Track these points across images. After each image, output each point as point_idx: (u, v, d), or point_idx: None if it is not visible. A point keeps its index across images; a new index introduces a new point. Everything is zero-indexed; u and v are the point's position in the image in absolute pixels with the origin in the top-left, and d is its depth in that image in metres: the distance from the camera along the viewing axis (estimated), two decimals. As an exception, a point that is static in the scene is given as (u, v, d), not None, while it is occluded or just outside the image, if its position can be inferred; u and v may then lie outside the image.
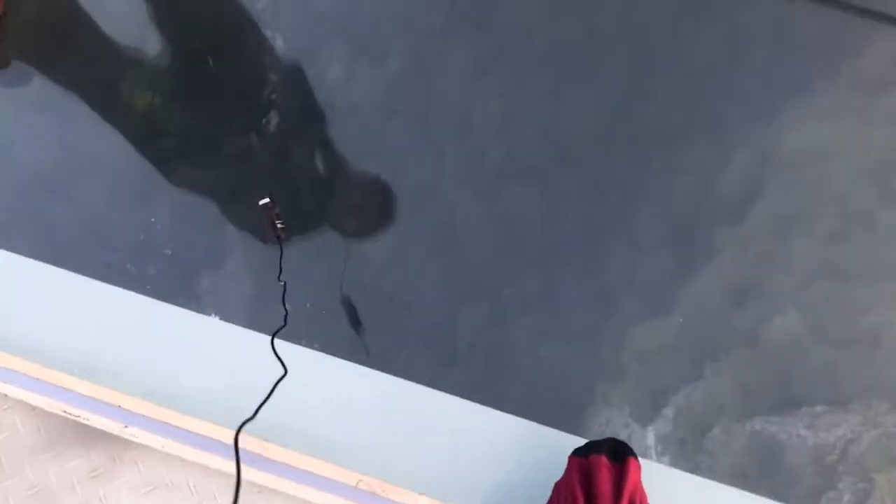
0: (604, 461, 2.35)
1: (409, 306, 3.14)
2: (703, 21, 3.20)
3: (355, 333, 3.06)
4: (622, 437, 3.02)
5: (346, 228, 3.14)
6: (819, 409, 2.90)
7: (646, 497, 2.36)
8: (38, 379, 2.66)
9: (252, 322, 3.09)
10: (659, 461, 2.97)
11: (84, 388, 2.69)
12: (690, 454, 2.95)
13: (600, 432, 3.04)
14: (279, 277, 2.98)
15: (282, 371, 2.72)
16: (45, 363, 2.73)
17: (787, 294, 3.07)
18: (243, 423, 2.48)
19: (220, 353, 3.04)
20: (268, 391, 2.61)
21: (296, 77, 3.31)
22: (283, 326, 2.94)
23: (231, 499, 2.24)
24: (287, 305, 3.01)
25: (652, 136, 3.20)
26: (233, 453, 2.38)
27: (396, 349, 3.08)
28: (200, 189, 3.17)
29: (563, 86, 3.23)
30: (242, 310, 3.12)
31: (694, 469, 2.93)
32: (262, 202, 2.90)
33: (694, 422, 2.96)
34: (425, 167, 3.26)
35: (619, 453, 2.43)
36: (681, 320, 3.07)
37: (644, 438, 3.01)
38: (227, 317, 3.11)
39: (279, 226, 2.94)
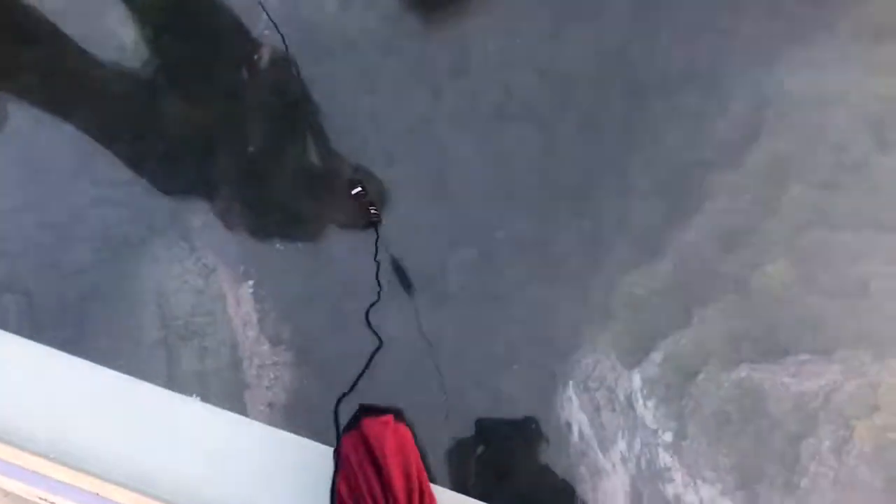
0: (372, 422, 2.01)
1: (400, 246, 3.10)
2: (706, -38, 3.11)
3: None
4: (609, 380, 3.02)
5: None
6: (804, 357, 2.90)
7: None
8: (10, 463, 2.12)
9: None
10: (644, 405, 2.98)
11: (61, 473, 2.13)
12: (675, 398, 2.95)
13: (587, 375, 3.03)
14: (375, 258, 2.93)
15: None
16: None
17: (778, 242, 3.04)
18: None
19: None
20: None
21: (290, 12, 3.22)
22: (378, 301, 2.91)
23: None
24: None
25: (651, 80, 3.13)
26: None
27: (385, 292, 3.05)
28: (190, 126, 3.10)
29: (563, 26, 3.14)
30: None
31: (678, 413, 2.94)
32: (354, 191, 2.87)
33: (680, 367, 2.96)
34: (420, 105, 3.19)
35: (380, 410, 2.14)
36: (671, 266, 3.05)
37: (630, 382, 3.01)
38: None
39: (373, 211, 2.91)
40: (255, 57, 3.18)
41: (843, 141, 3.05)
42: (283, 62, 3.21)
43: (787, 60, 3.08)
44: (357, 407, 2.02)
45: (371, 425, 1.82)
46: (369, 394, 2.80)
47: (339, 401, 2.26)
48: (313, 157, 3.15)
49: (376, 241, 2.85)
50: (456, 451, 2.88)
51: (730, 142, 3.10)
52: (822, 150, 3.05)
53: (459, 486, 2.87)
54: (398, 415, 1.95)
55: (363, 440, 1.80)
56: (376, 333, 2.62)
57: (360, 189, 2.78)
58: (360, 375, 2.43)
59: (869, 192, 3.00)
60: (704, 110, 3.10)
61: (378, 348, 2.58)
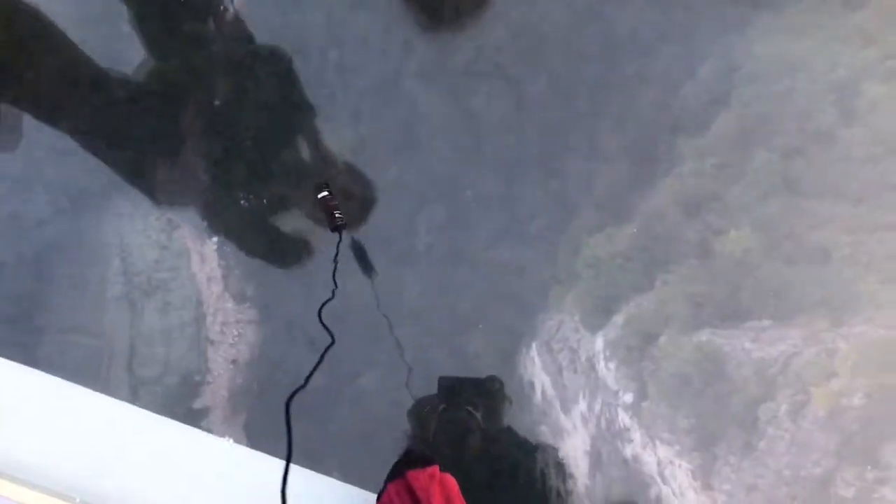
0: (418, 474, 1.93)
1: (370, 202, 2.84)
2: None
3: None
4: (571, 342, 2.81)
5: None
6: (765, 323, 2.70)
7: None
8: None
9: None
10: (606, 366, 2.78)
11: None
12: (636, 360, 2.75)
13: (550, 336, 2.83)
14: (335, 259, 2.61)
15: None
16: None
17: (742, 208, 2.81)
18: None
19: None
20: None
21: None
22: (331, 299, 2.59)
23: None
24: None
25: (622, 41, 2.86)
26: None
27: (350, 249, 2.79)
28: (155, 77, 2.77)
29: (534, -16, 2.85)
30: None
31: (639, 375, 2.74)
32: (320, 195, 2.53)
33: (642, 330, 2.75)
34: (390, 60, 2.89)
35: (425, 460, 2.04)
36: (635, 230, 2.82)
37: (593, 344, 2.80)
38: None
39: (338, 216, 2.57)
40: (222, 8, 2.84)
41: (808, 109, 2.80)
42: (250, 13, 2.88)
43: (756, 26, 2.82)
44: (403, 452, 1.92)
45: (417, 477, 1.78)
46: (330, 357, 2.56)
47: (291, 396, 1.99)
48: (279, 114, 2.85)
49: (338, 243, 2.55)
50: (416, 409, 2.67)
51: (698, 106, 2.85)
52: (788, 118, 2.81)
53: (422, 444, 2.66)
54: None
55: (409, 490, 1.76)
56: (328, 330, 2.34)
57: (326, 193, 2.47)
58: (313, 371, 2.16)
59: (832, 160, 2.77)
60: (674, 74, 2.84)
61: (330, 345, 2.31)
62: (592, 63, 2.81)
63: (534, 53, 2.80)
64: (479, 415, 2.57)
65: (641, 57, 2.80)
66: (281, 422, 2.54)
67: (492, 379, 2.66)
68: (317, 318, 2.46)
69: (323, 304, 2.43)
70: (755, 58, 2.82)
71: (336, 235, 2.56)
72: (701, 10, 2.83)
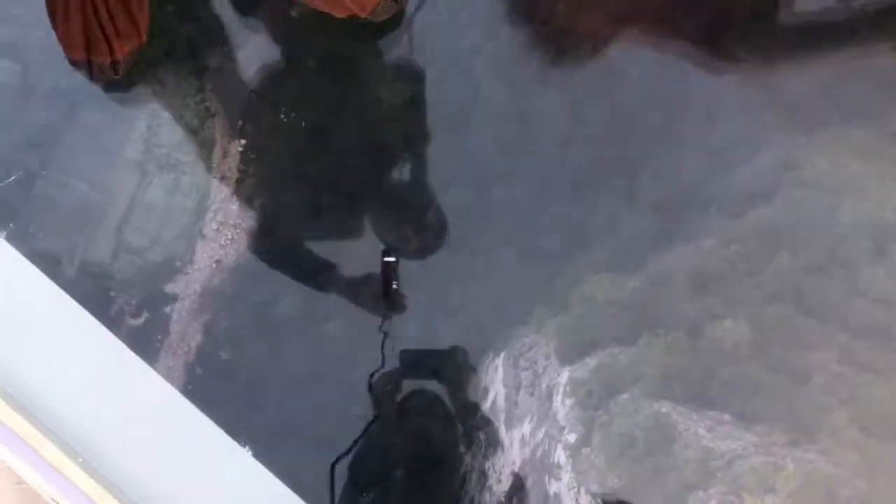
0: None
1: (396, 189, 2.78)
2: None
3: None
4: (539, 365, 2.74)
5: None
6: (726, 417, 2.62)
7: None
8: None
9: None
10: (563, 401, 2.71)
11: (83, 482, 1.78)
12: (592, 406, 2.68)
13: (521, 352, 2.76)
14: (381, 328, 2.50)
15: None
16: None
17: (746, 303, 2.74)
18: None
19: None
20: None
21: None
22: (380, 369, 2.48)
23: None
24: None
25: (694, 102, 2.77)
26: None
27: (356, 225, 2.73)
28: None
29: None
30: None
31: (590, 421, 2.67)
32: (385, 259, 2.39)
33: (609, 381, 2.68)
34: (469, 36, 2.81)
35: None
36: (638, 284, 2.75)
37: (558, 375, 2.73)
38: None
39: (395, 288, 2.43)
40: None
41: (845, 234, 2.72)
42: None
43: (824, 135, 2.73)
44: None
45: None
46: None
47: (335, 462, 1.93)
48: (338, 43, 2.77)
49: (384, 315, 2.42)
50: (379, 383, 2.60)
51: (742, 190, 2.77)
52: (822, 235, 2.73)
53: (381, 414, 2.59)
54: None
55: None
56: (378, 402, 2.25)
57: (392, 259, 2.32)
58: (356, 442, 2.10)
59: (848, 290, 2.69)
60: (731, 152, 2.76)
61: (373, 420, 2.23)
62: (659, 112, 2.73)
63: (605, 82, 2.72)
64: (446, 400, 2.51)
65: (707, 123, 2.72)
66: (238, 337, 2.49)
67: (454, 349, 2.60)
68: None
69: (372, 375, 2.33)
70: (814, 164, 2.74)
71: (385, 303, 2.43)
72: (771, 101, 2.74)
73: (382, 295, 2.47)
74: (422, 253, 2.57)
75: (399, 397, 2.54)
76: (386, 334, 2.46)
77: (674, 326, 2.66)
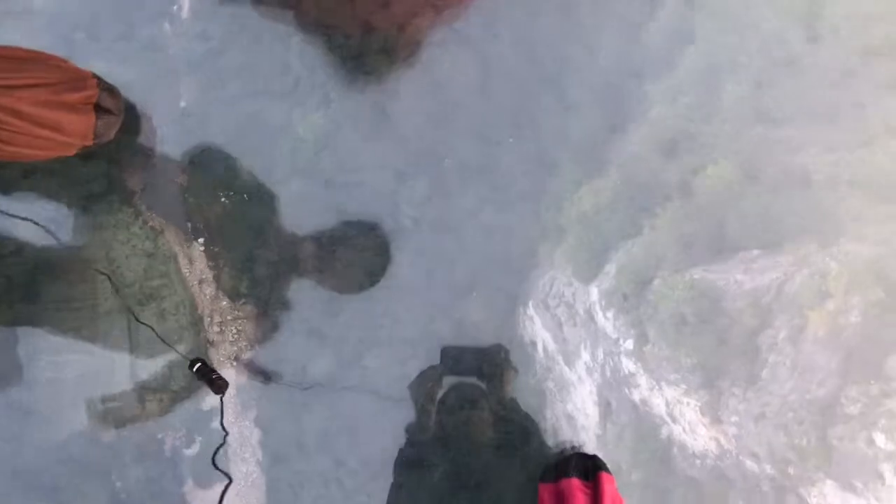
0: (575, 483, 1.94)
1: (348, 186, 2.69)
2: None
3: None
4: (567, 296, 2.69)
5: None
6: (755, 253, 2.58)
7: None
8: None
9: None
10: (604, 316, 2.66)
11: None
12: (633, 307, 2.63)
13: (545, 293, 2.70)
14: (221, 423, 2.46)
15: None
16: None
17: (718, 143, 2.67)
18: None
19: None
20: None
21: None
22: (222, 445, 2.45)
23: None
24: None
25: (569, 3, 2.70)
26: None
27: (340, 237, 2.64)
28: (117, 84, 2.59)
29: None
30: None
31: (637, 321, 2.62)
32: (194, 368, 2.33)
33: (635, 276, 2.62)
34: (352, 41, 2.72)
35: (589, 469, 2.03)
36: (615, 179, 2.68)
37: (587, 296, 2.67)
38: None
39: (215, 378, 2.37)
40: (175, 7, 2.66)
41: (772, 38, 2.66)
42: (206, 7, 2.70)
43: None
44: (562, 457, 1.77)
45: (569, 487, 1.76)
46: (333, 344, 2.43)
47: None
48: (247, 105, 2.68)
49: (221, 409, 2.38)
50: (419, 382, 2.54)
51: (661, 47, 2.70)
52: (753, 49, 2.66)
53: (425, 416, 2.54)
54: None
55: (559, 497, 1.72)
56: (226, 473, 2.21)
57: (200, 364, 2.28)
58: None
59: (801, 86, 2.64)
60: (632, 17, 2.68)
61: (227, 485, 2.19)
62: (549, 15, 2.65)
63: (490, 14, 2.64)
64: (484, 385, 2.45)
65: (598, 3, 2.64)
66: (290, 412, 2.42)
67: (497, 347, 2.53)
68: (320, 308, 2.34)
69: (215, 452, 2.30)
70: (714, -9, 2.67)
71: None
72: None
73: (216, 391, 2.43)
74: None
75: (448, 397, 2.48)
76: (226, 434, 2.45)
77: (666, 198, 2.60)
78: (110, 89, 2.29)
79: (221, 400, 2.41)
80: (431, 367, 2.46)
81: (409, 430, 2.43)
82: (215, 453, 2.37)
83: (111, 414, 2.44)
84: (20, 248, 2.47)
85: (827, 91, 2.52)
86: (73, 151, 2.15)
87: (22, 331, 2.48)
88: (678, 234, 2.54)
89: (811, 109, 2.52)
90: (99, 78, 2.23)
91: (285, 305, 2.57)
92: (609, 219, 2.60)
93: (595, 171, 2.59)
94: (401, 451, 2.41)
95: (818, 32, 2.55)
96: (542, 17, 2.63)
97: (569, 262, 2.59)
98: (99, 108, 2.21)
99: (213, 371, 2.34)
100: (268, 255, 2.58)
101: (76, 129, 2.13)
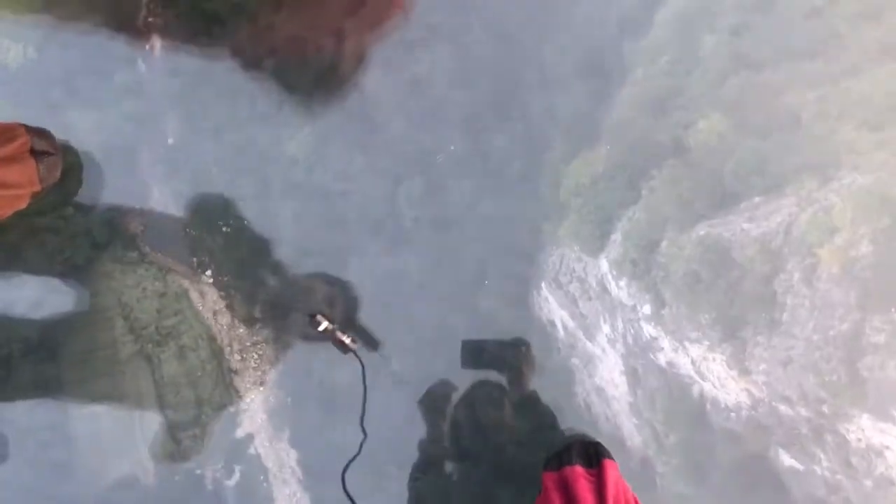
0: (579, 471, 1.91)
1: (345, 196, 2.69)
2: None
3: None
4: (578, 271, 2.69)
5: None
6: (757, 200, 2.57)
7: (629, 491, 1.98)
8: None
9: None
10: (617, 285, 2.65)
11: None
12: (644, 272, 2.62)
13: (556, 271, 2.70)
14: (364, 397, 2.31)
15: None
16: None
17: (704, 96, 2.66)
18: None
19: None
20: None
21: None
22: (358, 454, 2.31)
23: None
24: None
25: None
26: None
27: (343, 243, 2.64)
28: (102, 132, 2.59)
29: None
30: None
31: (651, 285, 2.62)
32: (320, 328, 2.15)
33: (641, 241, 2.62)
34: (325, 54, 2.71)
35: (592, 456, 2.00)
36: (608, 147, 2.67)
37: (598, 268, 2.67)
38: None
39: (348, 342, 2.22)
40: (147, 47, 2.65)
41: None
42: (178, 40, 2.69)
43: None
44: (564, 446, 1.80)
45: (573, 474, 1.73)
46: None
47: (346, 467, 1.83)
48: (233, 132, 2.68)
49: (363, 372, 2.24)
50: (428, 398, 2.52)
51: (635, 7, 2.69)
52: (726, -5, 2.65)
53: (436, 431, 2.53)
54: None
55: (563, 486, 1.72)
56: (350, 497, 2.12)
57: (326, 324, 2.11)
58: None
59: (777, 25, 2.62)
60: (603, -15, 2.67)
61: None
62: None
63: (458, 4, 2.63)
64: (504, 380, 2.43)
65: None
66: (323, 429, 2.42)
67: (516, 340, 2.52)
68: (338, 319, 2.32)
69: (348, 463, 2.20)
70: (676, -54, 2.66)
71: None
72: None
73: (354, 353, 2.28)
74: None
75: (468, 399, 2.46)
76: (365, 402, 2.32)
77: (660, 157, 2.60)
78: (39, 132, 2.27)
79: (361, 363, 2.22)
80: (441, 383, 2.44)
81: (421, 446, 2.41)
82: (346, 467, 2.26)
83: (149, 458, 2.44)
84: (32, 308, 2.46)
85: (802, 26, 2.52)
86: (26, 202, 2.13)
87: (48, 387, 2.48)
88: (678, 193, 2.53)
89: (789, 48, 2.51)
90: (25, 125, 2.22)
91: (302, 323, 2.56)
92: (608, 188, 2.59)
93: (586, 142, 2.58)
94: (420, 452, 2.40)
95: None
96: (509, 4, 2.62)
97: (574, 238, 2.58)
98: (35, 153, 2.18)
99: (345, 332, 2.18)
100: (277, 277, 2.57)
101: (20, 179, 2.11)
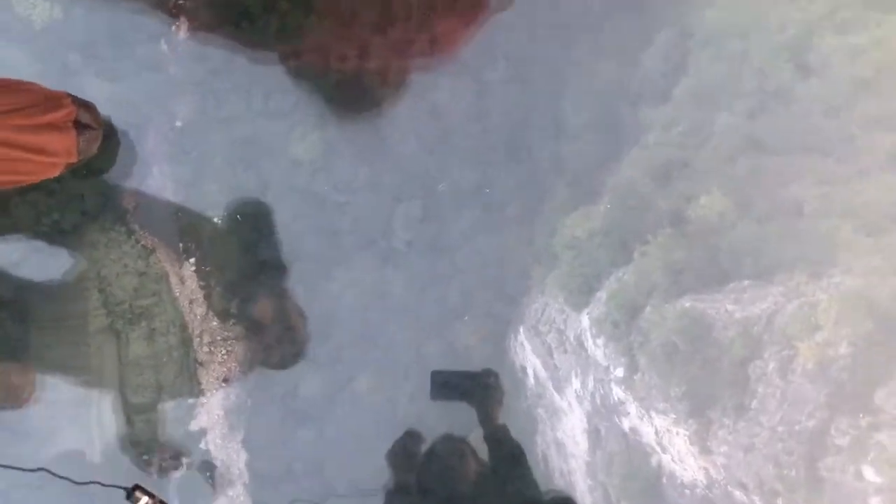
0: None
1: (342, 207, 2.70)
2: None
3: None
4: (558, 322, 2.70)
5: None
6: (745, 283, 2.59)
7: None
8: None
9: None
10: (595, 343, 2.67)
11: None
12: (623, 334, 2.64)
13: (537, 319, 2.71)
14: None
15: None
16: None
17: (711, 172, 2.69)
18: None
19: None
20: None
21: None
22: None
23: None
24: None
25: (575, 13, 2.72)
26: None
27: (332, 253, 2.66)
28: (113, 103, 2.60)
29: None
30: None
31: (628, 349, 2.63)
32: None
33: (626, 303, 2.63)
34: (350, 59, 2.74)
35: None
36: (608, 206, 2.70)
37: (578, 323, 2.68)
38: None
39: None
40: (173, 27, 2.68)
41: (764, 68, 2.69)
42: (205, 27, 2.72)
43: (705, -9, 2.70)
44: None
45: None
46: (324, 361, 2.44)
47: None
48: (243, 125, 2.70)
49: None
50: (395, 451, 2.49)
51: (656, 75, 2.73)
52: (746, 79, 2.70)
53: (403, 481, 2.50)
54: None
55: None
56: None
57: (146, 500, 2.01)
58: None
59: (793, 116, 2.67)
60: (629, 45, 2.71)
61: None
62: (547, 43, 2.68)
63: (488, 42, 2.67)
64: (469, 440, 2.41)
65: (594, 31, 2.67)
66: (278, 437, 2.42)
67: (487, 372, 2.52)
68: (312, 328, 2.33)
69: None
70: (707, 23, 2.70)
71: None
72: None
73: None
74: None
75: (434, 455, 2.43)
76: None
77: (658, 225, 2.62)
78: (86, 105, 2.29)
79: None
80: (408, 435, 2.42)
81: (388, 496, 2.38)
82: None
83: (99, 435, 2.43)
84: (14, 264, 2.46)
85: (818, 122, 2.56)
86: (58, 171, 2.16)
87: (13, 348, 2.47)
88: (669, 262, 2.56)
89: (803, 140, 2.55)
90: (73, 95, 2.25)
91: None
92: (601, 245, 2.61)
93: (588, 196, 2.61)
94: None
95: (809, 65, 2.58)
96: (540, 44, 2.66)
97: (561, 289, 2.60)
98: (78, 125, 2.21)
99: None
100: (260, 277, 2.58)
101: (59, 148, 2.14)
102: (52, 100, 2.06)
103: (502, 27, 2.68)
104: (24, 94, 2.03)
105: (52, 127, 2.03)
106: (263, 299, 2.59)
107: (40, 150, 2.01)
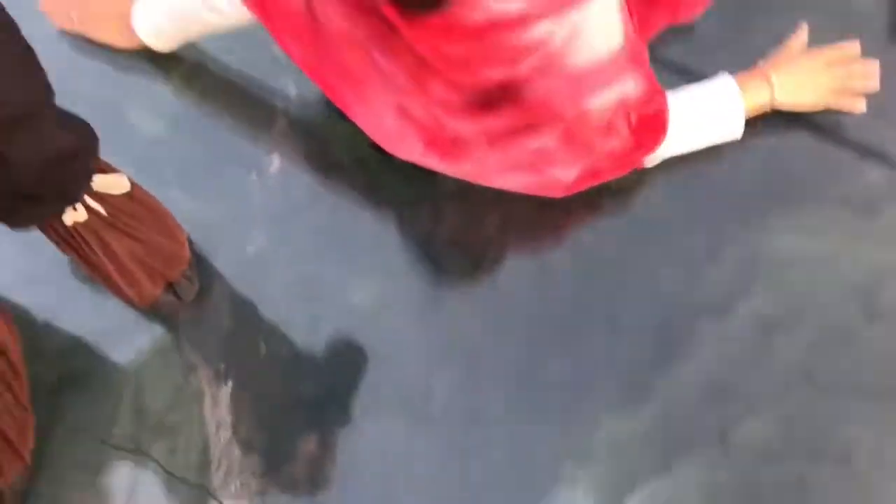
0: None
1: (386, 360, 2.72)
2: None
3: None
4: (583, 524, 2.60)
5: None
6: (785, 522, 2.49)
7: None
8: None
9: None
10: (618, 555, 2.54)
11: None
12: (650, 551, 2.52)
13: (561, 515, 2.62)
14: None
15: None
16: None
17: (762, 397, 2.68)
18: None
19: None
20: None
21: (306, 117, 2.93)
22: None
23: None
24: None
25: (645, 222, 2.82)
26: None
27: (368, 403, 2.65)
28: (191, 222, 2.75)
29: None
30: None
31: (653, 568, 2.50)
32: None
33: (657, 519, 2.55)
34: (423, 221, 2.86)
35: None
36: (655, 411, 2.67)
37: (605, 528, 2.58)
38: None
39: None
40: (267, 159, 2.86)
41: (830, 305, 2.73)
42: (295, 168, 2.89)
43: (778, 219, 2.79)
44: None
45: None
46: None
47: None
48: (307, 266, 2.80)
49: None
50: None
51: (720, 291, 2.78)
52: (810, 313, 2.73)
53: None
54: None
55: None
56: None
57: None
58: None
59: (853, 357, 2.67)
60: (696, 256, 2.79)
61: None
62: (615, 239, 2.77)
63: (557, 228, 2.78)
64: None
65: (664, 237, 2.75)
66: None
67: None
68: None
69: None
70: (776, 250, 2.77)
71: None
72: (723, 200, 2.80)
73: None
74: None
75: None
76: None
77: (701, 443, 2.58)
78: (190, 278, 2.45)
79: None
80: None
81: None
82: None
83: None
84: (63, 353, 2.53)
85: (880, 369, 2.54)
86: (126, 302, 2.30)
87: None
88: (707, 483, 2.49)
89: (861, 385, 2.53)
90: (190, 265, 2.40)
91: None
92: (641, 451, 2.57)
93: (635, 398, 2.61)
94: None
95: (876, 310, 2.61)
96: (607, 240, 2.75)
97: (591, 487, 2.53)
98: (170, 287, 2.37)
99: None
100: (293, 413, 2.59)
101: (142, 292, 2.28)
102: (174, 258, 2.29)
103: (571, 215, 2.79)
104: (163, 232, 2.22)
105: (152, 272, 2.24)
106: (302, 441, 2.59)
107: (133, 284, 2.17)
